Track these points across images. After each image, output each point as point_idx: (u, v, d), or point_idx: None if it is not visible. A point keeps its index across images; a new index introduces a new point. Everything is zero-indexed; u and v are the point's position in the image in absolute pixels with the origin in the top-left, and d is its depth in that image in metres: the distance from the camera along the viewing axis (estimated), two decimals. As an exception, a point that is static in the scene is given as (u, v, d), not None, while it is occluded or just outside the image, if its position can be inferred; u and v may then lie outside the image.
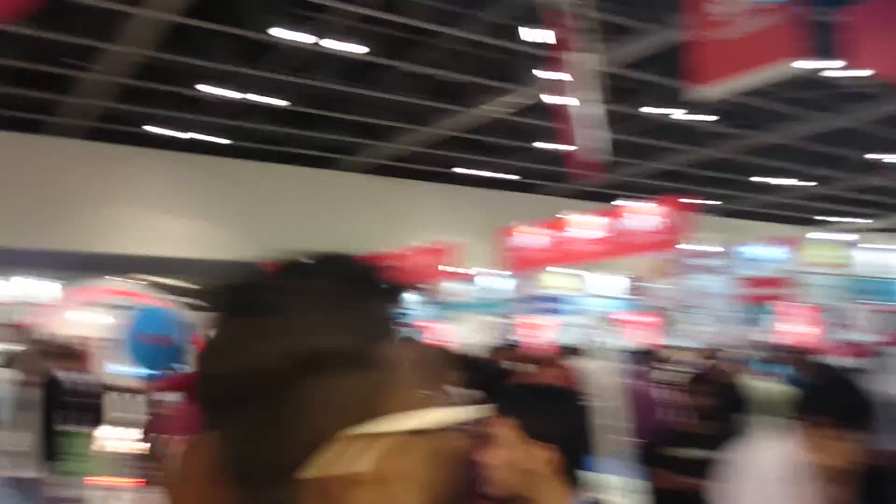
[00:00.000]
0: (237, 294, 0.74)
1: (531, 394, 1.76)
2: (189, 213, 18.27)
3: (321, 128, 17.96)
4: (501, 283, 12.51)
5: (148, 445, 6.83)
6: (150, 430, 6.84)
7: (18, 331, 6.15)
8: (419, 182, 21.75)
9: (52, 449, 5.23)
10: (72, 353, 7.71)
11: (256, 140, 18.64)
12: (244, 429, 0.69)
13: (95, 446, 6.29)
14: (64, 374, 7.33)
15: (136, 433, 7.14)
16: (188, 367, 6.80)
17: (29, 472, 5.18)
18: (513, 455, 1.51)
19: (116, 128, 17.14)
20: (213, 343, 0.73)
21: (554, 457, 1.50)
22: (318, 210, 19.48)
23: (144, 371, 8.40)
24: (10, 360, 5.92)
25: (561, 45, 8.92)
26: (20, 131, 16.60)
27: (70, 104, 15.66)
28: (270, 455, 0.68)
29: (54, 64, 13.91)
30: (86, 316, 10.30)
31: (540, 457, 1.49)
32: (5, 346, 6.30)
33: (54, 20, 12.15)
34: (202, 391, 0.73)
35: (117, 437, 6.95)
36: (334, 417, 0.68)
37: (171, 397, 6.22)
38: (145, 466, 6.73)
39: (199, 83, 14.84)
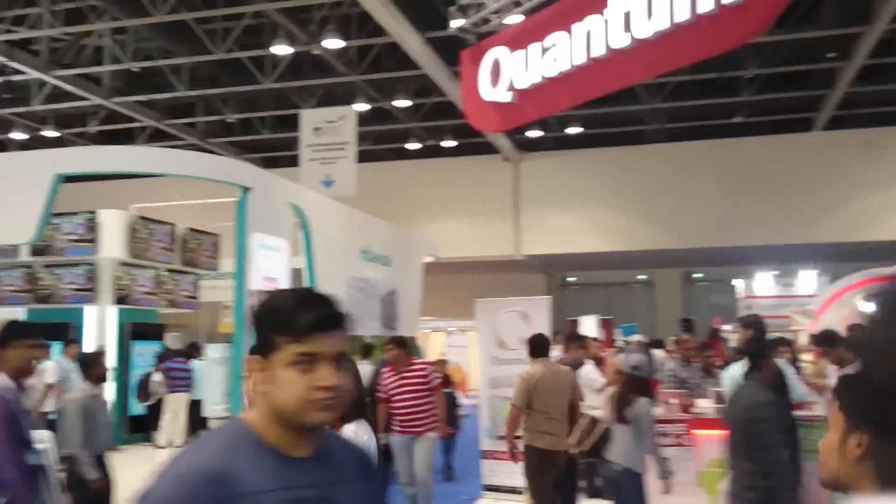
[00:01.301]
0: None
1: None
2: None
3: None
4: None
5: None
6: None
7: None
8: None
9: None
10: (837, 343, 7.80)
11: None
12: None
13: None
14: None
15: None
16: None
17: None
18: (831, 439, 1.46)
19: (861, 112, 16.57)
20: None
21: (863, 441, 1.38)
22: None
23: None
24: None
25: None
26: (782, 133, 17.45)
27: (821, 97, 15.76)
28: None
29: (811, 61, 14.26)
30: (853, 306, 10.25)
31: (852, 441, 1.41)
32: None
33: (803, 20, 12.48)
34: None
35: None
36: None
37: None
38: None
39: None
